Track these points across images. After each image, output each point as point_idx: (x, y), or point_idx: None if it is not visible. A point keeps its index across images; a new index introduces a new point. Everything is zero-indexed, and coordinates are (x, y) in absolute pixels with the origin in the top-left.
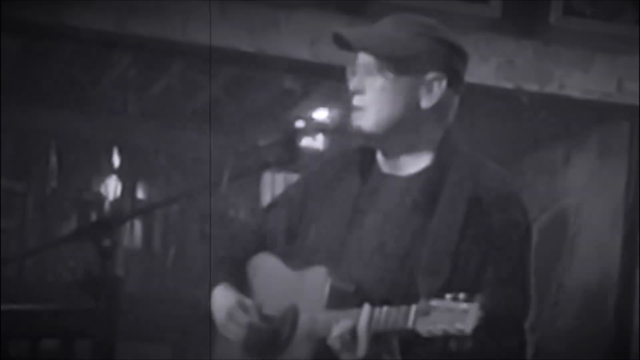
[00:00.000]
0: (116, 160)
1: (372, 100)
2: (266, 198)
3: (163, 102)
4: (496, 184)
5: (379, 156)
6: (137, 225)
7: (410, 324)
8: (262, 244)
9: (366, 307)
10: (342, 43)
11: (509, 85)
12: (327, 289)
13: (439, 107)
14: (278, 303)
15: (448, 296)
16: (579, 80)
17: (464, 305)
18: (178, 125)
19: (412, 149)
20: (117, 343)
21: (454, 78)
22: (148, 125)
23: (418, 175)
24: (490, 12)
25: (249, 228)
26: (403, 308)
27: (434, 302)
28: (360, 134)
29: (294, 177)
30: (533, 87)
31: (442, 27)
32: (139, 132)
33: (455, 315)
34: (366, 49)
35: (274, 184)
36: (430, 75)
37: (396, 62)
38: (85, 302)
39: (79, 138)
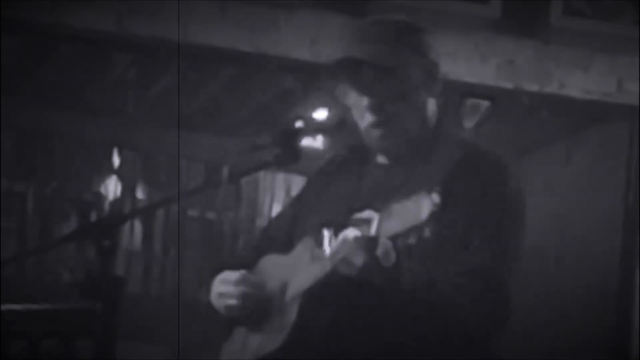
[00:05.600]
0: (116, 160)
1: (390, 118)
2: (266, 199)
3: (163, 102)
4: (485, 153)
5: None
6: (137, 225)
7: (373, 230)
8: (266, 249)
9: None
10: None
11: (509, 85)
12: (309, 255)
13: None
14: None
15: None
16: (579, 80)
17: (418, 198)
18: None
19: (410, 145)
20: (117, 343)
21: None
22: (148, 126)
23: (414, 161)
24: (490, 12)
25: (254, 234)
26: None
27: (395, 205)
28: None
29: (294, 177)
30: (533, 87)
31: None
32: (139, 132)
33: (412, 208)
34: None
35: (273, 184)
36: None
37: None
38: (85, 302)
39: (79, 138)
